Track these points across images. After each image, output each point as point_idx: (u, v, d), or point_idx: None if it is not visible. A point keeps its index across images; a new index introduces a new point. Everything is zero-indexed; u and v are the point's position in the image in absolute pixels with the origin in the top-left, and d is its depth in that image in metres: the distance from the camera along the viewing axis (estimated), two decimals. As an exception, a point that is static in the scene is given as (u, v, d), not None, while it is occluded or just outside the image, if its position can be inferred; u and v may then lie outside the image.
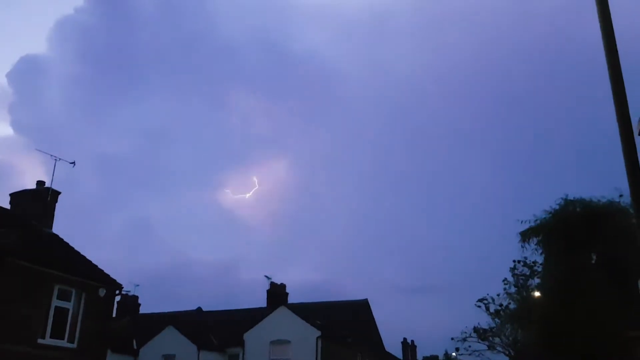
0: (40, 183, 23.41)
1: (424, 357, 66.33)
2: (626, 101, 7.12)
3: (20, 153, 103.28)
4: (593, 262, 20.27)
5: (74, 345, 19.39)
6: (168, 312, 39.21)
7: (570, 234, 19.62)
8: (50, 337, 18.67)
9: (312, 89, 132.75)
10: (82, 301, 19.93)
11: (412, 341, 59.04)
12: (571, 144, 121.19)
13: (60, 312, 19.15)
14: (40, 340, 18.23)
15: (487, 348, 40.27)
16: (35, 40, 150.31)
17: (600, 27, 7.43)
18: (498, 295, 37.82)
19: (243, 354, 33.40)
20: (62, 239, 22.87)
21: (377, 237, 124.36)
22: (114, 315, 25.02)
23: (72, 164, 23.57)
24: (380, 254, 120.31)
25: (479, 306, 39.97)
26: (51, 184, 23.18)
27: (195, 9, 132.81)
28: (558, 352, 18.87)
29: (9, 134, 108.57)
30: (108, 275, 21.70)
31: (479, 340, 40.64)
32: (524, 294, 31.94)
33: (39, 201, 22.78)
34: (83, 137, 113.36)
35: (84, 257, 22.29)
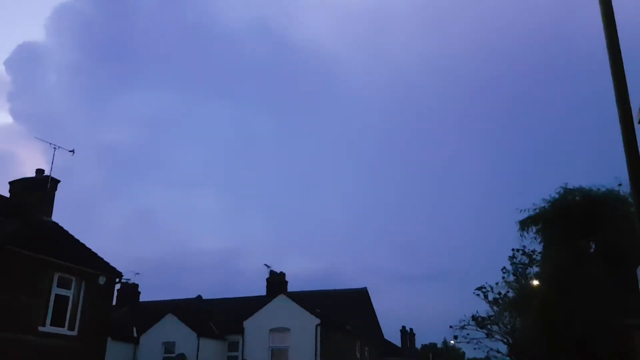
0: (39, 171, 23.36)
1: (422, 345, 66.86)
2: (626, 90, 7.10)
3: (19, 141, 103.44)
4: (592, 250, 20.33)
5: (75, 333, 19.47)
6: (168, 300, 39.33)
7: (569, 222, 19.66)
8: (51, 325, 18.72)
9: (313, 78, 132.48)
10: (82, 289, 19.98)
11: (411, 329, 59.35)
12: (571, 133, 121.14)
13: (61, 300, 19.20)
14: (40, 328, 18.29)
15: (485, 336, 40.66)
16: (33, 28, 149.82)
17: (602, 17, 7.39)
18: (497, 283, 38.13)
19: (243, 341, 33.54)
20: (61, 227, 22.88)
21: (376, 226, 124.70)
22: (114, 303, 25.08)
23: (72, 152, 23.51)
24: (380, 242, 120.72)
25: (478, 294, 40.28)
26: (50, 172, 23.14)
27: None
28: (556, 339, 18.98)
29: (8, 122, 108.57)
30: (108, 264, 21.75)
31: (478, 328, 40.99)
32: (523, 282, 32.13)
33: (38, 189, 22.73)
34: (83, 125, 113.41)
35: (83, 245, 22.32)
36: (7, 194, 23.03)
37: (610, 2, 7.35)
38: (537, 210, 21.18)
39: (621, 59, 7.20)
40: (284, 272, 38.82)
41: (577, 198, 20.53)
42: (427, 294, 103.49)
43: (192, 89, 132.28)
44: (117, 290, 26.44)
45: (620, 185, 19.29)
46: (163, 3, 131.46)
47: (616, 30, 7.27)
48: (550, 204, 20.92)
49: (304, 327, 32.05)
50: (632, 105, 7.09)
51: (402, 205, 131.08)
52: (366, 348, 39.16)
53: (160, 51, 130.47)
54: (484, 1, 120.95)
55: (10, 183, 23.35)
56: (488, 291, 39.45)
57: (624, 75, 7.13)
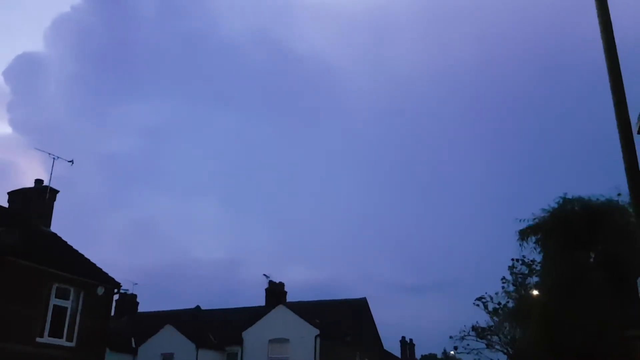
0: (38, 182, 23.37)
1: (422, 355, 66.42)
2: (625, 100, 7.12)
3: (18, 151, 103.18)
4: (592, 260, 20.29)
5: (73, 344, 19.38)
6: (167, 311, 39.12)
7: (569, 232, 19.62)
8: (49, 335, 18.65)
9: (314, 88, 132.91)
10: (81, 300, 19.92)
11: (411, 340, 59.14)
12: (570, 142, 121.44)
13: (59, 311, 19.13)
14: (39, 339, 18.21)
15: (485, 346, 40.35)
16: (32, 39, 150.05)
17: (600, 26, 7.42)
18: (496, 293, 37.90)
19: (242, 352, 33.39)
20: (60, 238, 22.85)
21: (376, 235, 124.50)
22: (112, 313, 24.99)
23: (71, 163, 23.57)
24: (379, 252, 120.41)
25: (478, 305, 40.03)
26: (49, 183, 23.18)
27: (196, 7, 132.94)
28: (556, 350, 18.89)
29: (7, 133, 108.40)
30: (106, 274, 21.70)
31: (478, 339, 40.70)
32: (523, 292, 31.98)
33: (37, 200, 22.74)
34: (82, 135, 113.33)
35: (82, 255, 22.28)
36: (6, 204, 23.01)
37: (608, 12, 7.39)
38: (537, 220, 21.14)
39: (619, 69, 7.22)
40: (283, 282, 38.76)
41: (577, 208, 20.50)
42: (427, 304, 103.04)
43: (193, 99, 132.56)
44: (116, 300, 26.36)
45: (619, 195, 19.26)
46: (163, 13, 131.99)
47: (614, 42, 7.30)
48: (549, 213, 20.90)
49: (303, 337, 31.91)
50: (630, 115, 7.10)
51: (402, 215, 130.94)
52: (366, 359, 38.95)
53: (160, 61, 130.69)
54: (484, 9, 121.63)
55: (9, 193, 23.35)
56: (488, 301, 39.24)
57: (623, 85, 7.16)
